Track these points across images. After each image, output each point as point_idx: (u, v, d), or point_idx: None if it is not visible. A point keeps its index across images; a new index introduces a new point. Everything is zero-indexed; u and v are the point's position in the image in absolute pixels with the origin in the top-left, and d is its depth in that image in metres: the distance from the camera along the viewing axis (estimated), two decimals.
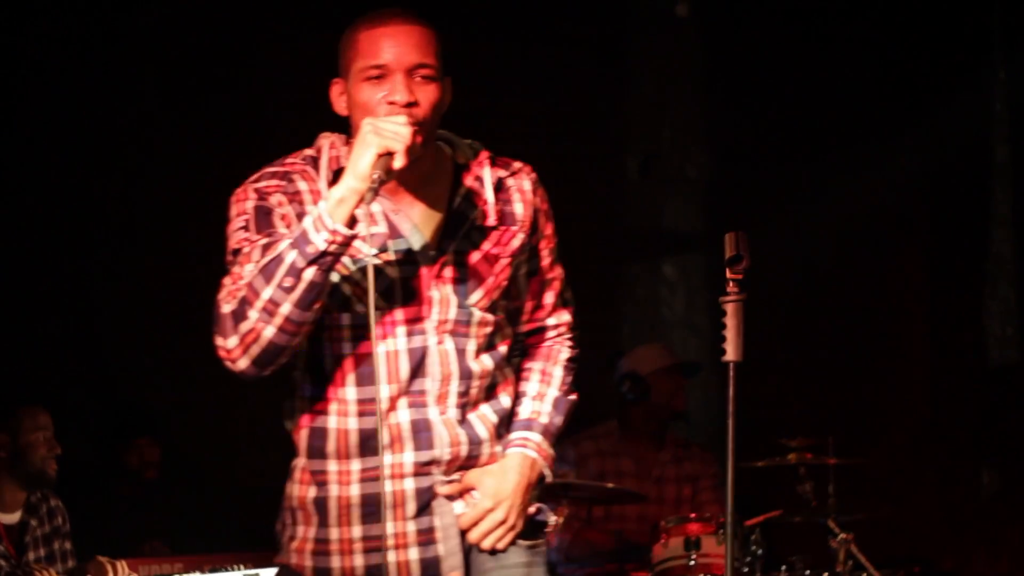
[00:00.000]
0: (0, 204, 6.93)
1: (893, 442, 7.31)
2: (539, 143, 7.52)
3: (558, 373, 3.40)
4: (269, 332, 2.99)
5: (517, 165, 3.39)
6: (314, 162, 3.24)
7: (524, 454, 3.29)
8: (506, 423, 3.30)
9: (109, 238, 7.11)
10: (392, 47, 3.13)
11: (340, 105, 3.22)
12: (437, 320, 3.16)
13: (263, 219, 3.13)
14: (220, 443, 7.11)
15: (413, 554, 3.15)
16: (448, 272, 3.18)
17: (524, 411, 3.33)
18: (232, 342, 3.01)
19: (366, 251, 3.08)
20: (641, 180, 7.65)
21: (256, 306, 2.98)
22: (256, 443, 6.94)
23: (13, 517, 5.27)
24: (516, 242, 3.30)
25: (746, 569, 5.61)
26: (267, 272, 2.98)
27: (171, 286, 7.14)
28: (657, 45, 7.65)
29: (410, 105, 3.13)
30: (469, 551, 3.21)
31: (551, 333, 3.42)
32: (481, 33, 7.45)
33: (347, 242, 2.99)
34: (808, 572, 5.62)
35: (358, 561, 3.16)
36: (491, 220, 3.26)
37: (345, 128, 3.26)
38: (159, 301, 7.15)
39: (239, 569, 5.26)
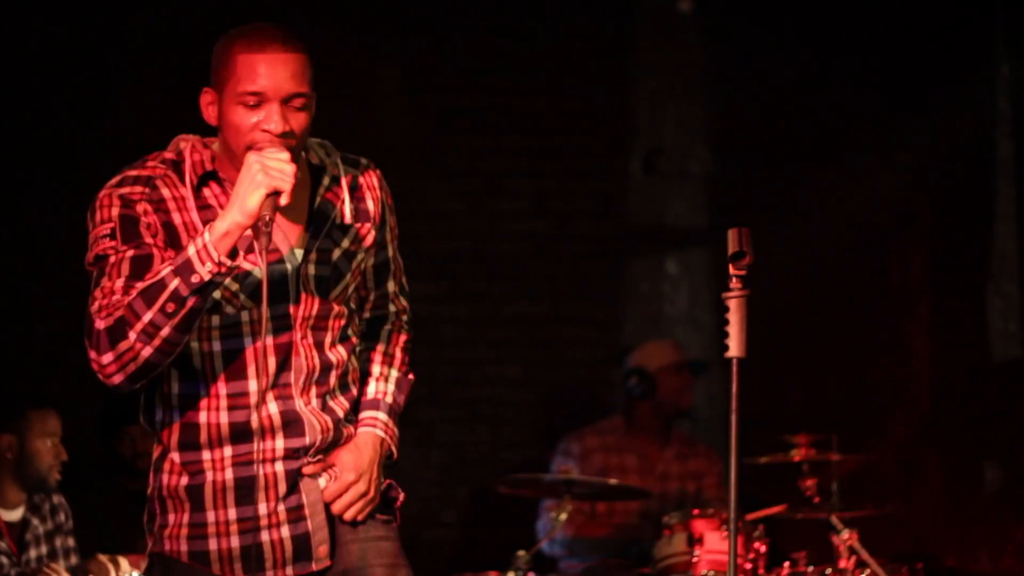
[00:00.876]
0: None
1: (896, 438, 7.30)
2: (542, 139, 7.52)
3: (399, 355, 3.56)
4: (147, 352, 3.12)
5: (364, 162, 3.49)
6: (175, 166, 3.31)
7: (374, 433, 3.41)
8: (355, 404, 3.44)
9: None
10: (269, 76, 3.19)
11: (209, 114, 3.29)
12: (302, 316, 3.28)
13: (129, 228, 3.23)
14: None
15: (285, 532, 3.28)
16: (312, 270, 3.30)
17: (370, 391, 3.47)
18: (107, 359, 3.16)
19: (252, 268, 3.21)
20: (644, 176, 7.64)
21: (136, 328, 3.11)
22: None
23: (15, 514, 5.25)
24: (370, 237, 3.41)
25: (749, 565, 5.60)
26: (148, 296, 3.09)
27: None
28: (660, 41, 7.63)
29: (284, 135, 3.19)
30: (331, 526, 3.35)
31: (391, 318, 3.56)
32: (483, 29, 7.45)
33: (229, 272, 3.12)
34: (811, 568, 5.61)
35: (234, 542, 3.27)
36: (348, 218, 3.36)
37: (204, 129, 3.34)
38: None
39: None
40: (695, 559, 5.64)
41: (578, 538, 6.55)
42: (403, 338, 3.58)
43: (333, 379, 3.35)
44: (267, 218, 3.08)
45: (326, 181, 3.36)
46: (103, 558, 5.06)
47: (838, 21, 7.40)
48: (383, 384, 3.49)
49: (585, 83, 7.55)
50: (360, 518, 3.35)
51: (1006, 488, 6.94)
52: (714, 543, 5.64)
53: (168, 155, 3.33)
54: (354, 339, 3.43)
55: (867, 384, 7.39)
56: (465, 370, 7.28)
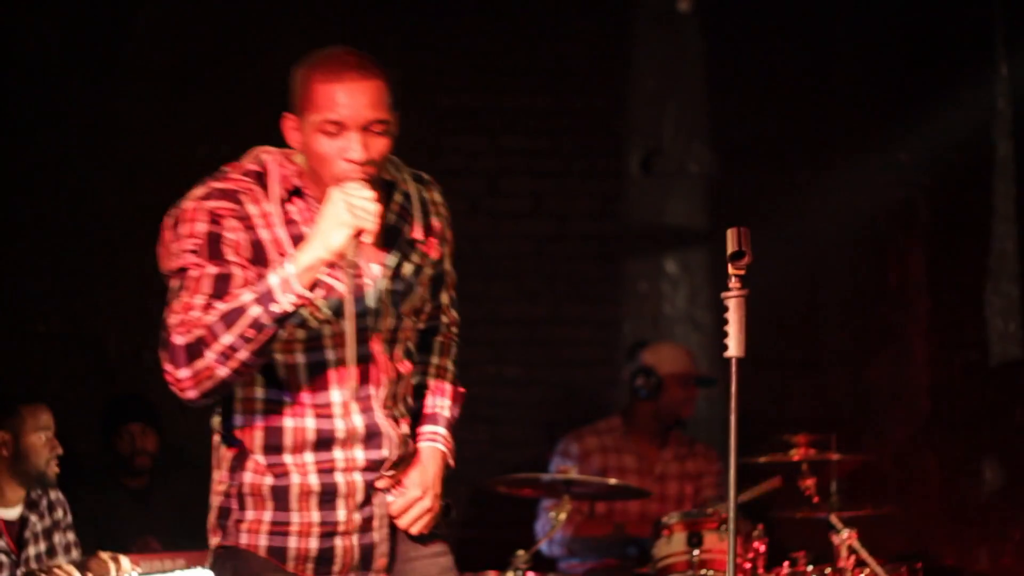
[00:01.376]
0: None
1: (895, 438, 7.30)
2: (540, 139, 7.52)
3: (451, 368, 3.70)
4: (223, 372, 3.19)
5: (427, 178, 3.59)
6: (258, 178, 3.35)
7: (435, 448, 3.53)
8: (414, 417, 3.57)
9: (108, 236, 7.11)
10: (348, 104, 3.25)
11: (293, 139, 3.36)
12: (380, 331, 3.38)
13: (214, 245, 3.26)
14: None
15: (355, 540, 3.41)
16: (385, 284, 3.39)
17: (429, 405, 3.59)
18: (183, 373, 3.21)
19: (335, 284, 3.30)
20: (643, 176, 7.64)
21: (214, 348, 3.17)
22: None
23: (13, 512, 5.26)
24: (435, 252, 3.53)
25: (748, 565, 5.60)
26: (228, 319, 3.15)
27: None
28: (659, 40, 7.63)
29: (367, 163, 3.27)
30: (392, 540, 3.47)
31: (443, 330, 3.69)
32: (482, 29, 7.45)
33: (310, 303, 3.21)
34: (810, 568, 5.60)
35: (313, 544, 3.38)
36: (419, 233, 3.47)
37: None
38: (161, 296, 7.14)
39: None
40: (694, 559, 5.64)
41: (577, 538, 6.55)
42: (454, 350, 3.72)
43: (401, 392, 3.48)
44: (351, 257, 3.20)
45: (398, 198, 3.45)
46: (104, 556, 5.06)
47: (837, 21, 7.40)
48: (440, 399, 3.62)
49: (583, 83, 7.55)
50: (423, 532, 3.47)
51: (1005, 488, 6.93)
52: (713, 543, 5.64)
53: (250, 167, 3.38)
54: (413, 352, 3.55)
55: (866, 384, 7.40)
56: (464, 370, 7.26)
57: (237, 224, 3.28)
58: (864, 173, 7.35)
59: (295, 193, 3.35)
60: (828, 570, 5.54)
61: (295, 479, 3.36)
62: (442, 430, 3.56)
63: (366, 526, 3.41)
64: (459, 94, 7.47)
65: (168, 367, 3.22)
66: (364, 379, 3.37)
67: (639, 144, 7.62)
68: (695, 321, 7.59)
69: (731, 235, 3.33)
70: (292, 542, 3.38)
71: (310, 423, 3.34)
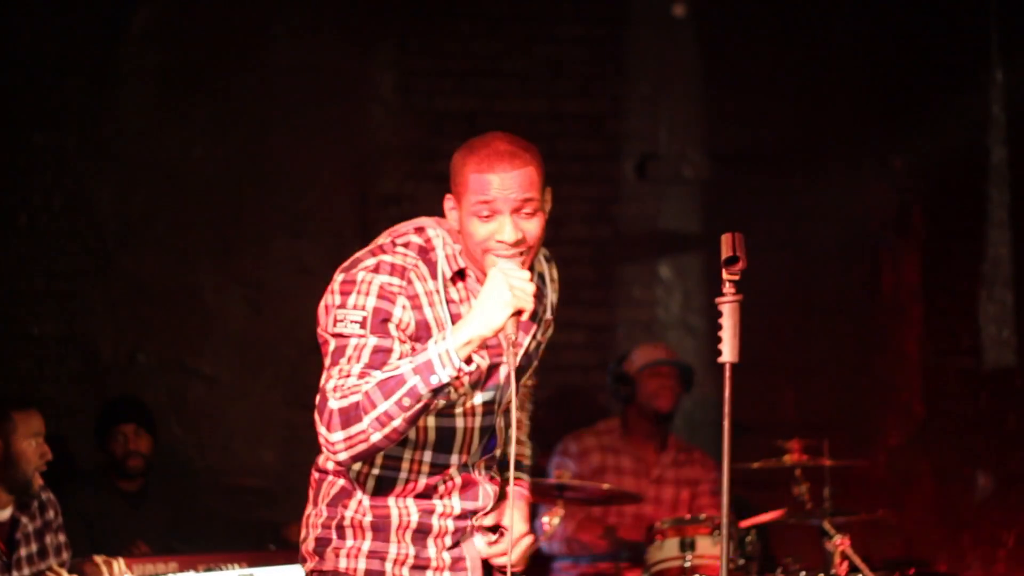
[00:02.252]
0: None
1: (889, 444, 7.30)
2: (535, 143, 7.50)
3: (527, 421, 3.89)
4: (377, 438, 3.32)
5: (547, 254, 3.78)
6: (423, 254, 3.51)
7: (523, 493, 3.71)
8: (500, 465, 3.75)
9: (102, 239, 7.10)
10: (500, 190, 3.43)
11: (451, 218, 3.51)
12: (504, 402, 3.58)
13: (380, 321, 3.40)
14: (215, 441, 7.10)
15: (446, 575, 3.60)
16: (516, 361, 3.48)
17: (516, 451, 3.73)
18: (337, 436, 3.33)
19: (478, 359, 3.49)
20: (637, 181, 7.64)
21: (371, 415, 3.30)
22: (251, 441, 6.94)
23: (4, 514, 5.24)
24: (551, 328, 3.74)
25: (741, 571, 5.60)
26: (386, 388, 3.29)
27: (167, 284, 7.13)
28: (654, 45, 7.63)
29: (517, 243, 3.43)
30: None
31: (529, 383, 3.86)
32: (477, 32, 7.44)
33: (466, 375, 3.41)
34: (803, 574, 5.60)
35: (405, 572, 3.55)
36: (546, 313, 3.70)
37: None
38: (155, 300, 7.14)
39: (233, 568, 5.26)
40: (687, 564, 5.64)
41: (572, 542, 6.55)
42: (528, 406, 3.91)
43: (500, 450, 3.68)
44: (512, 336, 3.35)
45: (534, 277, 3.53)
46: (98, 559, 5.05)
47: (832, 27, 7.41)
48: (522, 448, 3.82)
49: (578, 88, 7.55)
50: (522, 567, 3.67)
51: (998, 494, 6.94)
52: (706, 548, 5.64)
53: (415, 239, 3.53)
54: None
55: (860, 389, 7.40)
56: None
57: (407, 303, 3.43)
58: (858, 179, 7.36)
59: (460, 274, 3.52)
60: None
61: (394, 517, 3.55)
62: (526, 477, 3.74)
63: (458, 566, 3.59)
64: (454, 97, 7.46)
65: (321, 430, 3.34)
66: (484, 446, 3.58)
67: (634, 149, 7.62)
68: (689, 326, 7.59)
69: (725, 240, 3.33)
70: (388, 567, 3.55)
71: (422, 480, 3.54)
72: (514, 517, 3.60)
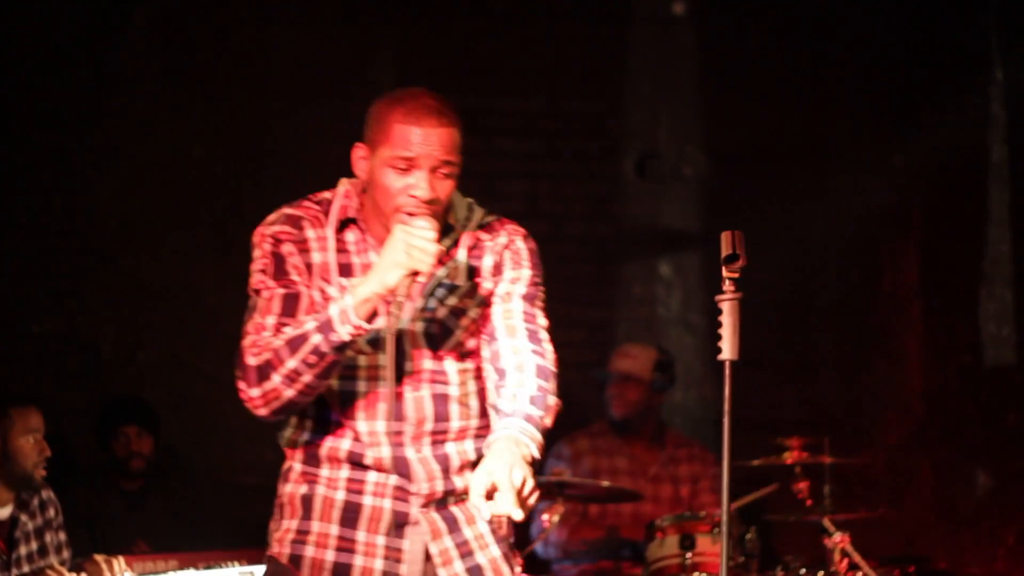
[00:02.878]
0: None
1: (889, 441, 7.30)
2: (535, 141, 7.52)
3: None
4: (289, 393, 3.35)
5: (503, 229, 3.65)
6: (325, 205, 3.53)
7: (506, 435, 3.34)
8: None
9: (102, 237, 7.10)
10: (422, 145, 3.40)
11: (359, 168, 3.48)
12: (411, 370, 3.46)
13: (279, 266, 3.44)
14: (215, 440, 7.11)
15: (378, 564, 3.45)
16: (420, 326, 3.47)
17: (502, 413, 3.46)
18: (255, 392, 3.37)
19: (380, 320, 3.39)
20: (637, 179, 7.64)
21: (280, 372, 3.33)
22: (250, 440, 6.94)
23: (4, 512, 5.24)
24: (482, 293, 3.54)
25: (741, 568, 5.60)
26: (292, 345, 3.32)
27: (167, 283, 7.13)
28: (654, 44, 7.64)
29: (431, 201, 3.39)
30: None
31: (510, 375, 3.58)
32: (477, 31, 7.45)
33: (367, 333, 3.34)
34: (804, 571, 5.61)
35: (329, 556, 3.45)
36: (460, 279, 3.52)
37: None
38: (155, 298, 7.14)
39: (233, 566, 5.26)
40: (687, 561, 5.64)
41: (571, 540, 6.55)
42: (534, 382, 3.57)
43: (453, 432, 3.50)
44: (400, 297, 3.30)
45: (447, 242, 3.51)
46: (99, 558, 5.06)
47: (832, 25, 7.41)
48: (515, 401, 3.47)
49: (578, 86, 7.55)
50: (531, 503, 3.26)
51: (997, 491, 6.94)
52: (706, 545, 5.64)
53: (325, 195, 3.55)
54: (480, 393, 3.55)
55: (859, 387, 7.40)
56: None
57: (293, 248, 3.45)
58: (858, 177, 7.36)
59: (350, 222, 3.49)
60: (821, 573, 5.55)
61: (321, 491, 3.47)
62: (513, 420, 3.37)
63: (392, 555, 3.45)
64: (454, 96, 7.44)
65: (241, 385, 3.38)
66: (394, 414, 3.41)
67: (634, 147, 7.62)
68: (689, 324, 7.60)
69: (725, 238, 3.33)
70: (309, 551, 3.46)
71: (345, 444, 3.45)
72: (495, 464, 3.23)
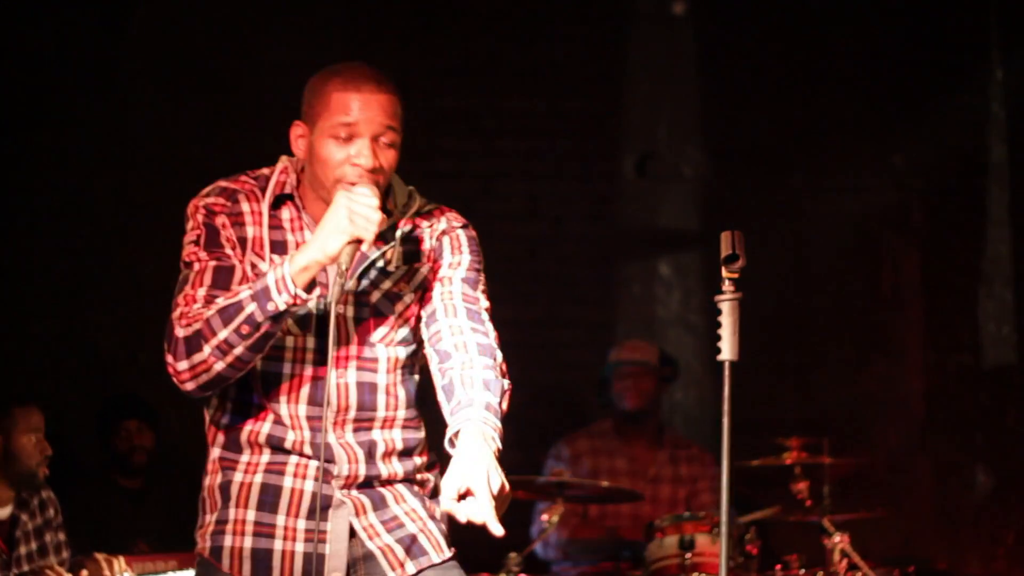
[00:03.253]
0: None
1: (888, 442, 7.30)
2: (535, 141, 7.52)
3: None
4: (219, 367, 3.23)
5: (443, 217, 3.53)
6: (263, 180, 3.44)
7: (473, 430, 3.26)
8: (415, 452, 3.45)
9: (102, 236, 7.11)
10: (363, 111, 3.31)
11: (298, 147, 3.40)
12: (338, 354, 3.34)
13: (212, 238, 3.36)
14: None
15: (299, 547, 3.33)
16: (349, 311, 3.36)
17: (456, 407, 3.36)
18: (183, 366, 3.26)
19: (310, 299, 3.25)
20: (637, 179, 7.64)
21: (211, 343, 3.22)
22: None
23: (4, 512, 5.25)
24: (418, 278, 3.44)
25: (741, 568, 5.60)
26: (225, 315, 3.21)
27: (167, 282, 7.12)
28: (653, 43, 7.64)
29: (374, 171, 3.31)
30: (355, 564, 3.36)
31: (459, 364, 3.44)
32: (476, 31, 7.44)
33: (304, 303, 3.21)
34: (803, 572, 5.61)
35: (247, 543, 3.34)
36: (393, 264, 3.39)
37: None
38: (156, 298, 7.13)
39: None
40: (687, 562, 5.64)
41: (571, 540, 6.55)
42: (479, 377, 3.46)
43: (380, 420, 3.38)
44: (343, 266, 3.19)
45: (383, 227, 3.35)
46: (100, 557, 5.06)
47: (832, 25, 7.41)
48: (471, 393, 3.36)
49: (578, 85, 7.55)
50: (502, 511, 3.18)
51: (997, 492, 6.94)
52: (706, 546, 5.64)
53: (264, 171, 3.47)
54: (415, 382, 3.47)
55: (859, 387, 7.40)
56: None
57: (228, 220, 3.37)
58: (858, 177, 7.36)
59: (288, 198, 3.40)
60: (820, 574, 5.54)
61: (237, 477, 3.36)
62: (475, 410, 3.27)
63: (314, 537, 3.31)
64: (453, 96, 7.46)
65: (169, 358, 3.27)
66: (316, 399, 3.33)
67: (633, 147, 7.62)
68: (688, 324, 7.60)
69: (725, 238, 3.32)
70: (227, 540, 3.34)
71: (264, 428, 3.34)
72: (469, 468, 3.15)
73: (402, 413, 3.42)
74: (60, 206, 7.10)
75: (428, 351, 3.40)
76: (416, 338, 3.45)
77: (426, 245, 3.47)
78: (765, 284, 6.25)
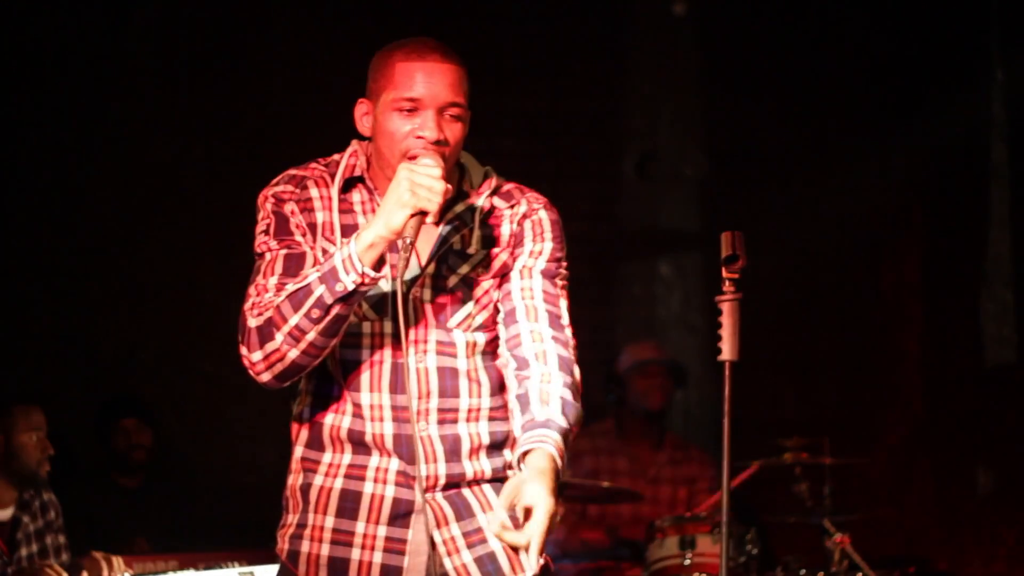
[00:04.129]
0: None
1: (889, 442, 7.30)
2: (535, 141, 7.52)
3: (556, 389, 3.32)
4: (293, 354, 3.13)
5: (523, 198, 3.46)
6: (333, 166, 3.34)
7: (542, 449, 3.17)
8: (504, 446, 3.32)
9: (101, 235, 7.11)
10: (427, 83, 3.22)
11: (363, 125, 3.31)
12: (415, 339, 3.23)
13: (281, 226, 3.25)
14: (215, 439, 7.11)
15: (377, 557, 3.22)
16: (425, 295, 3.26)
17: (531, 417, 3.25)
18: (256, 356, 3.15)
19: (385, 283, 3.19)
20: (637, 179, 7.64)
21: (283, 330, 3.11)
22: (252, 440, 6.94)
23: (5, 514, 5.26)
24: (497, 264, 3.33)
25: (741, 569, 5.60)
26: (295, 300, 3.11)
27: (167, 282, 7.14)
28: (654, 44, 7.64)
29: (439, 143, 3.20)
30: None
31: (531, 362, 3.34)
32: (477, 31, 7.45)
33: (374, 282, 3.11)
34: (803, 572, 5.61)
35: (324, 550, 3.24)
36: (472, 247, 3.31)
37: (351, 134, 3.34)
38: (155, 297, 7.14)
39: (233, 566, 5.26)
40: (687, 562, 5.65)
41: (570, 540, 6.55)
42: (551, 373, 3.33)
43: (463, 411, 3.26)
44: (407, 239, 3.08)
45: (459, 208, 3.32)
46: (98, 555, 5.06)
47: (832, 25, 7.41)
48: (544, 407, 3.25)
49: (579, 86, 7.55)
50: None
51: (998, 492, 6.94)
52: (706, 546, 5.64)
53: (334, 157, 3.37)
54: (497, 370, 3.32)
55: (860, 387, 7.40)
56: None
57: (296, 208, 3.26)
58: (859, 177, 7.36)
59: (358, 181, 3.31)
60: (821, 574, 5.55)
61: (317, 480, 3.26)
62: (550, 433, 3.16)
63: (395, 547, 3.22)
64: None
65: (243, 351, 3.17)
66: (397, 387, 3.22)
67: (634, 147, 7.63)
68: (689, 324, 7.60)
69: (725, 239, 3.32)
70: (304, 546, 3.25)
71: (345, 422, 3.23)
72: (537, 495, 3.09)
73: (487, 402, 3.28)
74: (59, 203, 7.11)
75: (503, 351, 3.29)
76: (495, 324, 3.31)
77: (505, 229, 3.37)
78: (765, 284, 6.24)
